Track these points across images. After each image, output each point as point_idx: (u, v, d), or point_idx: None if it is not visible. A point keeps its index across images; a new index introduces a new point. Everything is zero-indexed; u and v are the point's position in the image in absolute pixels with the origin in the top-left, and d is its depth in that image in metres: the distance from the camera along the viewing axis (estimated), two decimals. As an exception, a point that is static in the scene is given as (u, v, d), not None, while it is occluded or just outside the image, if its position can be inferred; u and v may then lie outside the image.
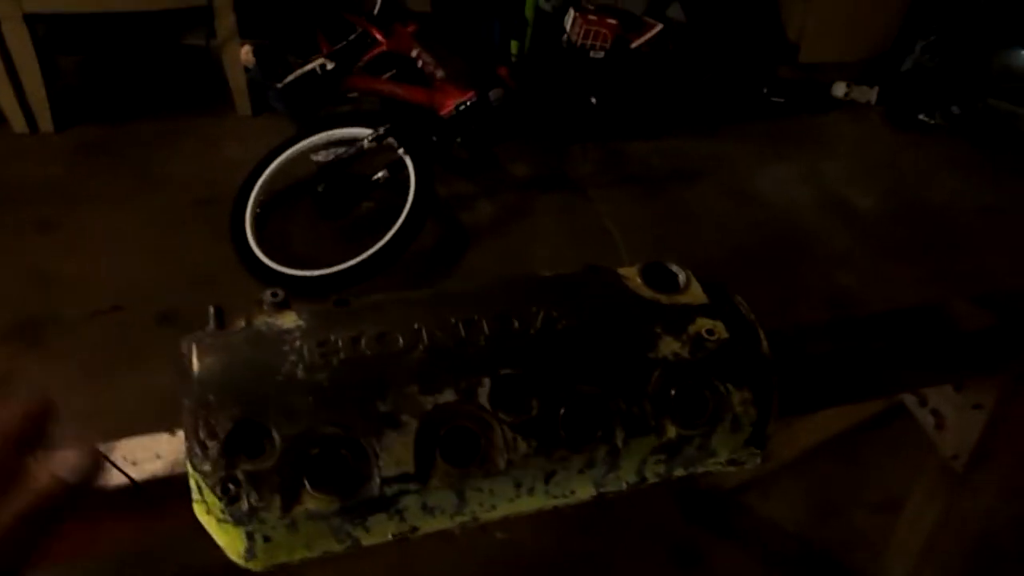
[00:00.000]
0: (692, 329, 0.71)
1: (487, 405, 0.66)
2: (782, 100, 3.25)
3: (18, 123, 2.70)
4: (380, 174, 2.31)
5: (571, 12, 2.76)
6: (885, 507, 1.62)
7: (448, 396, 0.64)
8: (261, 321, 0.68)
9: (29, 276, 2.19)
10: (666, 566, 1.66)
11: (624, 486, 0.70)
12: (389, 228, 2.19)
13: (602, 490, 0.69)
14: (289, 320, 0.68)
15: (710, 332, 0.70)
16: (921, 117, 3.40)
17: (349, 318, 0.69)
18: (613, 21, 2.77)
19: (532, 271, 2.30)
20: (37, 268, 2.21)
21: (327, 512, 0.63)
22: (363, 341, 0.67)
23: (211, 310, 0.70)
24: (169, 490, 0.65)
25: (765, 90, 3.20)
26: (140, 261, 2.28)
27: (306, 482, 0.61)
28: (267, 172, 2.37)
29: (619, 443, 0.66)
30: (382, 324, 0.68)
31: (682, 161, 2.92)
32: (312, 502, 0.62)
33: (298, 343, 0.66)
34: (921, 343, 0.85)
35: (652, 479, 0.71)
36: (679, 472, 0.71)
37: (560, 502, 0.69)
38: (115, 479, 0.70)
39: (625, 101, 2.81)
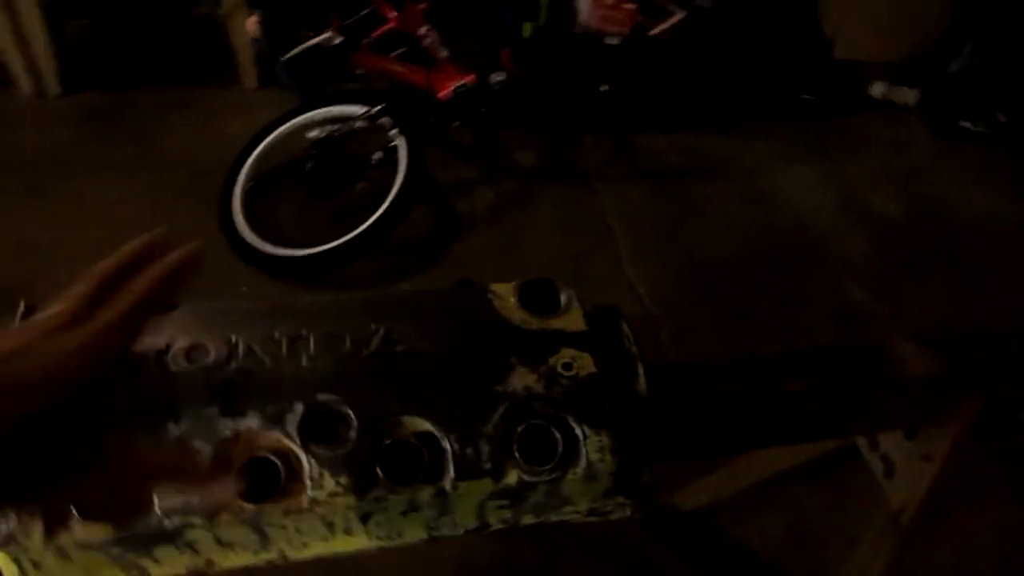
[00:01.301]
0: (553, 361, 0.63)
1: (295, 434, 0.58)
2: (813, 98, 3.09)
3: (26, 85, 2.70)
4: (375, 155, 2.24)
5: (587, -5, 2.64)
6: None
7: (252, 421, 0.57)
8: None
9: (12, 242, 2.18)
10: (621, 585, 1.58)
11: (462, 531, 0.62)
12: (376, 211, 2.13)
13: (436, 535, 0.62)
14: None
15: (567, 366, 0.62)
16: (963, 124, 3.21)
17: (165, 326, 0.62)
18: (632, 6, 2.63)
19: (522, 265, 2.21)
20: (23, 234, 2.20)
21: (100, 542, 0.56)
22: (170, 354, 0.60)
23: (20, 307, 0.64)
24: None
25: (795, 87, 3.05)
26: (128, 233, 2.23)
27: (74, 510, 0.55)
28: (261, 147, 2.33)
29: (447, 486, 0.58)
30: (196, 335, 0.61)
31: (698, 158, 2.79)
32: (82, 531, 0.56)
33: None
34: (847, 388, 0.75)
35: (497, 525, 0.63)
36: (529, 520, 0.63)
37: (387, 544, 0.62)
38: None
39: (640, 91, 2.69)
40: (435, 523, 0.61)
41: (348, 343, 0.61)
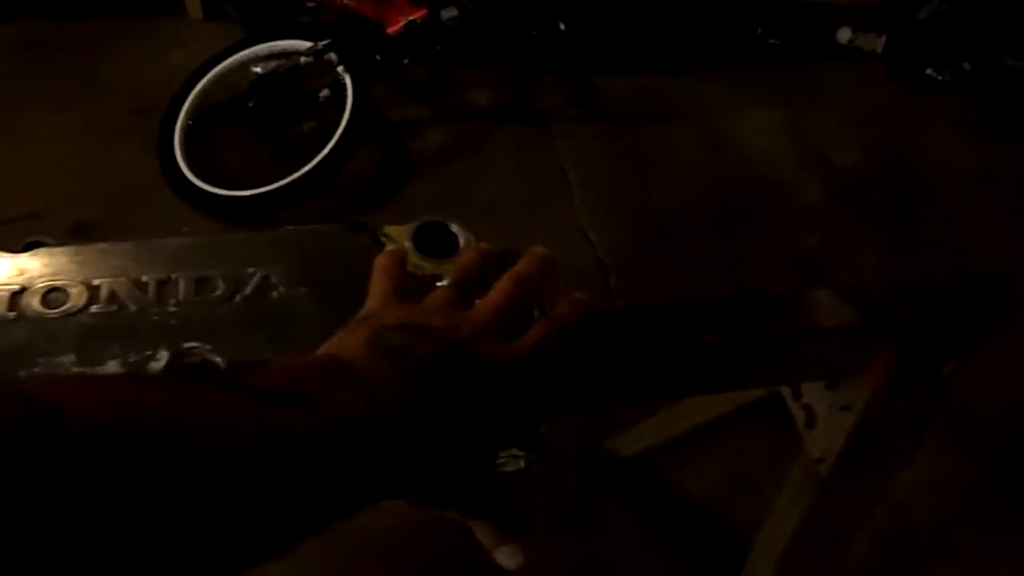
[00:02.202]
0: (440, 306, 0.60)
1: (157, 384, 0.56)
2: (778, 42, 3.03)
3: (-46, 13, 2.57)
4: (322, 92, 2.17)
5: (545, -73, 2.54)
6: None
7: (110, 369, 0.54)
8: None
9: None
10: (560, 533, 1.59)
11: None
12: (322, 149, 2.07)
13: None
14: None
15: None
16: (928, 72, 3.17)
17: (24, 267, 0.58)
18: (594, -60, 2.55)
19: (474, 206, 2.15)
20: (-53, 169, 2.12)
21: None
22: (24, 297, 0.56)
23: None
24: None
25: (760, 30, 2.99)
26: (65, 169, 2.18)
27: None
28: (203, 82, 2.24)
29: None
30: (57, 277, 0.57)
31: (658, 101, 2.74)
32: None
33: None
34: (759, 337, 0.73)
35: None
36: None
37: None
38: None
39: (598, 30, 2.61)
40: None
41: (221, 287, 0.58)
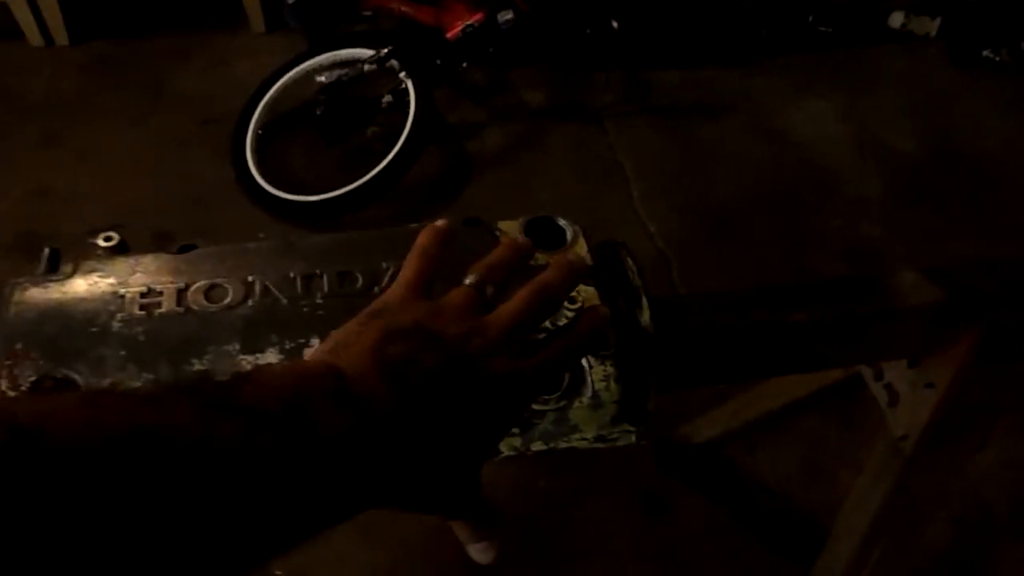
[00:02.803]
0: (559, 294, 0.65)
1: (312, 369, 0.61)
2: (830, 30, 3.02)
3: (33, 36, 2.69)
4: (384, 98, 2.24)
5: (596, -72, 2.58)
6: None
7: (270, 357, 0.60)
8: (89, 266, 0.64)
9: (32, 190, 2.21)
10: (634, 513, 1.63)
11: (474, 459, 0.65)
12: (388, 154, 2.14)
13: (450, 463, 0.65)
14: (119, 267, 0.64)
15: (572, 299, 0.64)
16: (986, 54, 3.13)
17: (183, 267, 0.65)
18: (642, -62, 2.58)
19: (535, 204, 2.22)
20: (40, 183, 2.23)
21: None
22: (190, 293, 0.62)
23: (45, 252, 0.67)
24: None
25: (811, 18, 2.98)
26: (142, 180, 2.28)
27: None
28: (270, 93, 2.32)
29: (460, 416, 0.61)
30: (214, 275, 0.64)
31: (711, 94, 2.75)
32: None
33: (122, 292, 0.62)
34: (851, 317, 0.77)
35: (507, 452, 0.65)
36: (539, 446, 0.66)
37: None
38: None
39: (650, 26, 2.64)
40: (449, 452, 0.64)
41: (360, 281, 0.64)
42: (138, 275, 0.64)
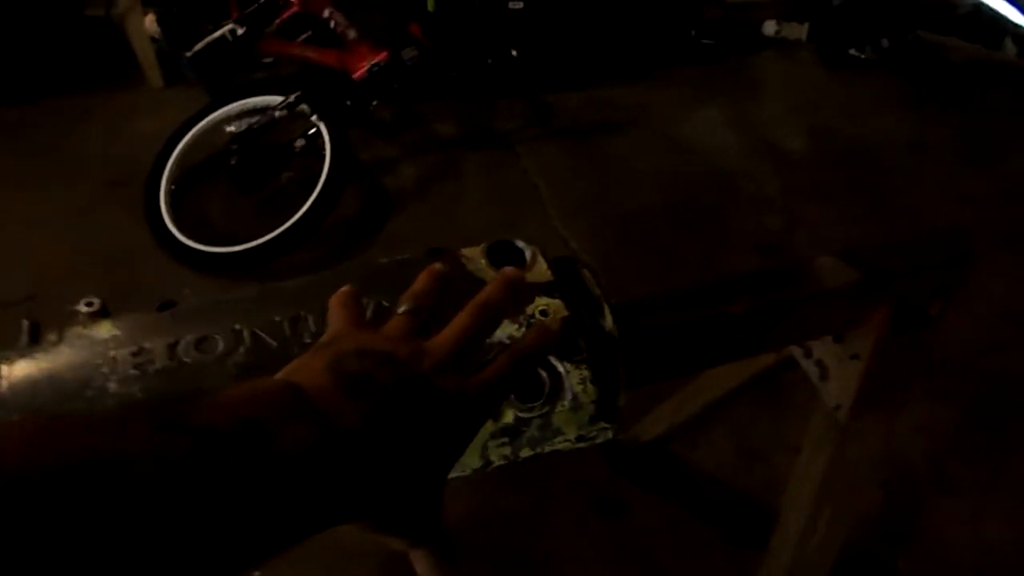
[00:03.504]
0: (529, 309, 0.70)
1: (311, 405, 0.64)
2: (712, 42, 3.22)
3: (-86, 109, 2.59)
4: (297, 142, 2.25)
5: (486, -38, 2.68)
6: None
7: (269, 399, 0.63)
8: (74, 333, 0.66)
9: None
10: (592, 518, 1.69)
11: (469, 471, 0.69)
12: (308, 198, 2.15)
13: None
14: (104, 330, 0.66)
15: (544, 312, 0.69)
16: (852, 52, 3.39)
17: (169, 324, 0.67)
18: (530, -32, 2.70)
19: (458, 233, 2.28)
20: (-62, 262, 2.14)
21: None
22: (180, 347, 0.65)
23: (24, 324, 0.67)
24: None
25: (693, 32, 3.16)
26: (54, 247, 2.21)
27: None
28: (180, 147, 2.30)
29: (453, 432, 0.65)
30: (202, 328, 0.66)
31: (610, 111, 2.89)
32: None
33: (112, 354, 0.64)
34: (781, 303, 0.85)
35: (498, 462, 0.70)
36: (526, 453, 0.71)
37: (402, 493, 0.69)
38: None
39: (548, 52, 2.76)
40: (444, 467, 0.68)
41: (344, 317, 0.67)
42: (125, 336, 0.65)
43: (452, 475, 0.69)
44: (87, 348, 0.64)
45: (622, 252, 2.32)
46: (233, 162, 2.21)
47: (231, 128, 2.32)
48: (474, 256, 0.75)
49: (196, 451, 0.34)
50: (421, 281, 0.54)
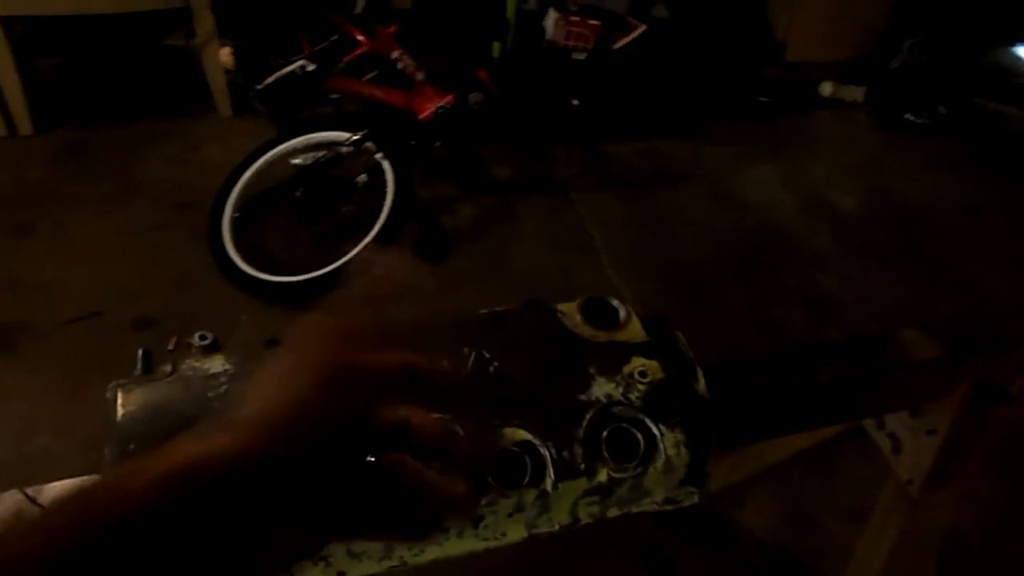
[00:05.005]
0: (627, 369, 0.71)
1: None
2: (768, 100, 3.24)
3: (-3, 126, 2.70)
4: (360, 178, 2.30)
5: (552, 13, 2.74)
6: (856, 515, 1.63)
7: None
8: (188, 365, 0.68)
9: (3, 282, 2.18)
10: (639, 572, 1.67)
11: (557, 527, 0.70)
12: (368, 233, 2.19)
13: (534, 532, 0.69)
14: (216, 364, 0.68)
15: (643, 373, 0.70)
16: (908, 116, 3.39)
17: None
18: (595, 22, 2.75)
19: (512, 276, 2.29)
20: (12, 274, 2.20)
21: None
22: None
23: (139, 353, 0.70)
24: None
25: (751, 90, 3.19)
26: (118, 266, 2.27)
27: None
28: (246, 176, 2.36)
29: (549, 487, 0.66)
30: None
31: (665, 162, 2.91)
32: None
33: (224, 388, 0.66)
34: (867, 374, 0.85)
35: (586, 519, 0.70)
36: (613, 512, 0.71)
37: (492, 544, 0.69)
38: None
39: (608, 102, 2.80)
40: (535, 522, 0.68)
41: (446, 365, 0.69)
42: (237, 370, 0.67)
43: (540, 531, 0.70)
44: (201, 381, 0.66)
45: (674, 303, 2.32)
46: (297, 194, 2.26)
47: (296, 161, 2.39)
48: (570, 312, 0.76)
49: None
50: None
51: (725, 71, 3.18)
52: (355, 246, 2.17)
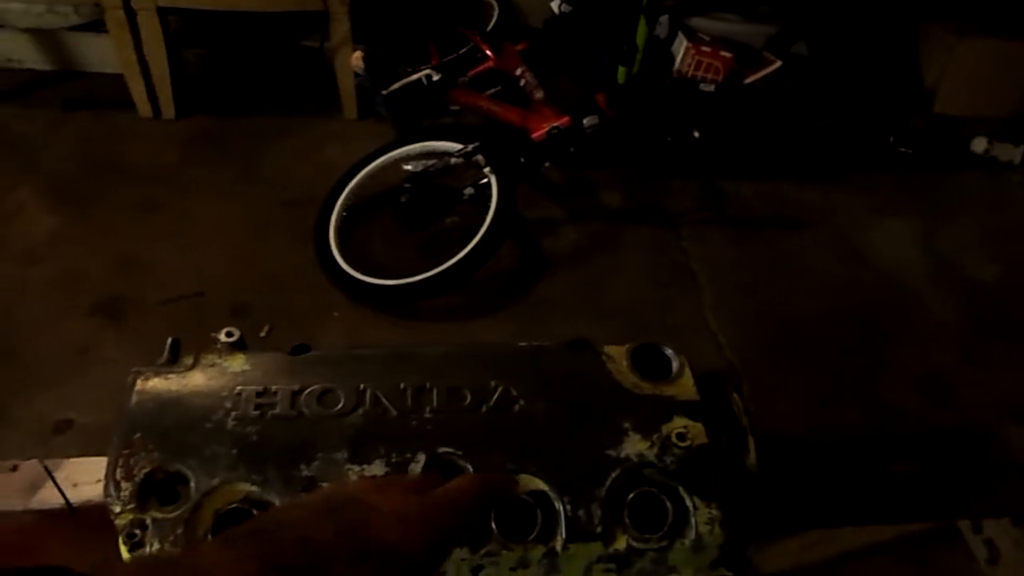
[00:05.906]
0: (666, 429, 0.64)
1: (417, 484, 0.61)
2: (910, 151, 3.02)
3: (144, 108, 2.88)
4: (466, 190, 2.30)
5: (683, 41, 2.66)
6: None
7: (376, 469, 0.60)
8: (209, 360, 0.67)
9: (122, 255, 2.31)
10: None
11: (567, 592, 0.64)
12: (467, 245, 2.18)
13: (540, 593, 0.63)
14: (236, 363, 0.66)
15: (681, 435, 0.63)
16: (1071, 184, 3.08)
17: (298, 369, 0.66)
18: (728, 54, 2.65)
19: (604, 307, 2.22)
20: (131, 248, 2.33)
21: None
22: (303, 396, 0.64)
23: (168, 342, 0.69)
24: (102, 517, 0.64)
25: (892, 139, 2.98)
26: (226, 254, 2.36)
27: (210, 537, 0.59)
28: (359, 176, 2.41)
29: (558, 547, 0.60)
30: (328, 380, 0.65)
31: (787, 207, 2.76)
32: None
33: (238, 390, 0.64)
34: (954, 471, 0.74)
35: (601, 587, 0.64)
36: (633, 584, 0.64)
37: (492, 599, 0.64)
38: (53, 499, 0.70)
39: (732, 138, 2.68)
40: (541, 581, 0.62)
41: (469, 397, 0.64)
42: (255, 373, 0.65)
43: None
44: (217, 379, 0.65)
45: (772, 357, 2.17)
46: (404, 199, 2.29)
47: (408, 167, 2.42)
48: (617, 356, 0.70)
49: None
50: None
51: (864, 116, 2.98)
52: (453, 257, 2.16)
